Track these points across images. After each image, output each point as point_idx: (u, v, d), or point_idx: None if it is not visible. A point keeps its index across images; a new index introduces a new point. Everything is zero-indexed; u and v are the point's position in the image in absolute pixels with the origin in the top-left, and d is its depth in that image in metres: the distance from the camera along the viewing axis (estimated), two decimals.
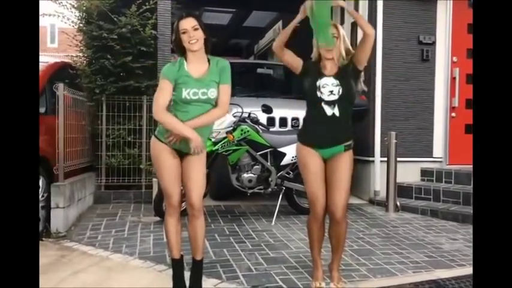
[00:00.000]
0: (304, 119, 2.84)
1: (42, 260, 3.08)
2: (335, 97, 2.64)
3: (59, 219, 4.11)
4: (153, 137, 2.67)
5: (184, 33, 2.49)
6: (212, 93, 2.53)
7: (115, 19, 5.23)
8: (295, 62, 2.75)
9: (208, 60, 2.59)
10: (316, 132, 2.72)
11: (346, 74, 2.68)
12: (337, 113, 2.65)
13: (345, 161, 2.70)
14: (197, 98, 2.50)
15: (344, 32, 2.71)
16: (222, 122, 4.44)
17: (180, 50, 2.57)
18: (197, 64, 2.55)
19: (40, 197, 4.07)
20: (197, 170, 2.61)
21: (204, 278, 2.79)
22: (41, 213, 4.10)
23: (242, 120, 4.53)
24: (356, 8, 6.31)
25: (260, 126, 4.68)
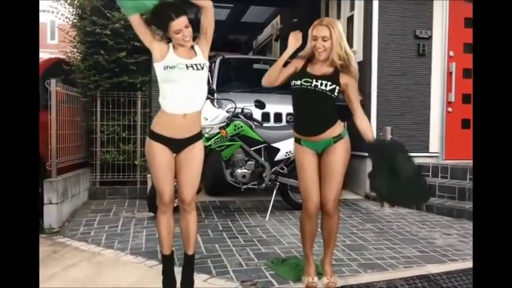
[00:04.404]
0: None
1: None
2: None
3: (52, 215, 4.11)
4: (148, 135, 2.67)
5: (178, 33, 2.50)
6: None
7: (108, 14, 5.20)
8: (285, 78, 2.83)
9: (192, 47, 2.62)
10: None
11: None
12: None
13: (336, 153, 2.68)
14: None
15: (340, 32, 2.61)
16: (216, 117, 4.43)
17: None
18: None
19: None
20: (191, 164, 2.60)
21: (194, 273, 2.78)
22: None
23: (235, 115, 4.51)
24: (352, 3, 6.29)
25: (254, 122, 4.66)
